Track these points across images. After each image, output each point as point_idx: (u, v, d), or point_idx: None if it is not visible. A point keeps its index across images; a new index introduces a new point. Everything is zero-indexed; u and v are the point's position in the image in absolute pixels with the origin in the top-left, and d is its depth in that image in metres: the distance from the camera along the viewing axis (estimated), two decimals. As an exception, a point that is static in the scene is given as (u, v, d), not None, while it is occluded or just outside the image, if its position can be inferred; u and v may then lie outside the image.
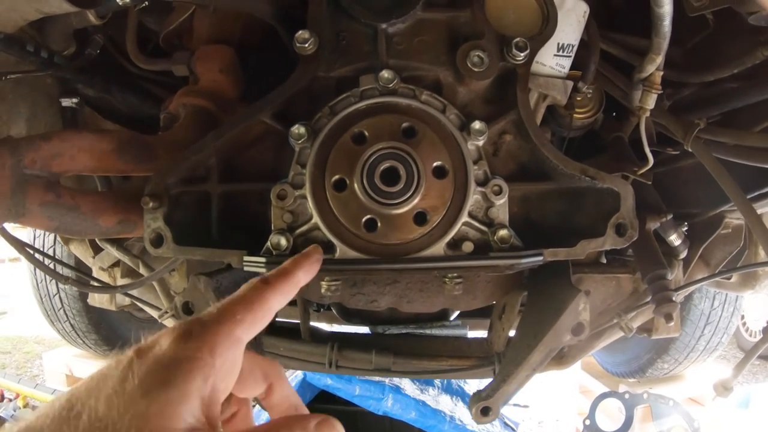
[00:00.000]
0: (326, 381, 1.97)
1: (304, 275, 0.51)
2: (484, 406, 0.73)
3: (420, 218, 0.68)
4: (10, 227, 1.21)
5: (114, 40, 1.09)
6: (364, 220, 0.67)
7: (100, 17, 0.87)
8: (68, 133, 0.82)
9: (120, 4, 0.82)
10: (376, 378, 1.91)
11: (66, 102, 1.07)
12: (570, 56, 0.88)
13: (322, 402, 2.17)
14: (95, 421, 0.37)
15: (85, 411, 0.38)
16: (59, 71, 1.00)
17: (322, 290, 0.74)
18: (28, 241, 1.81)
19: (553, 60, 0.86)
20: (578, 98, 1.09)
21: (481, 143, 0.70)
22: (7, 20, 0.81)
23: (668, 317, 0.99)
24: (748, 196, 0.97)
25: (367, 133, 0.69)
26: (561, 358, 1.13)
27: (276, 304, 0.47)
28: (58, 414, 0.38)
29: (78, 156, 0.80)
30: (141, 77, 1.14)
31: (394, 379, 1.95)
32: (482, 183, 0.70)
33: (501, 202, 0.70)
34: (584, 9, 0.87)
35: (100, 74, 1.07)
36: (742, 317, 3.70)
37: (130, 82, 1.13)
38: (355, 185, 0.66)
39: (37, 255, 1.32)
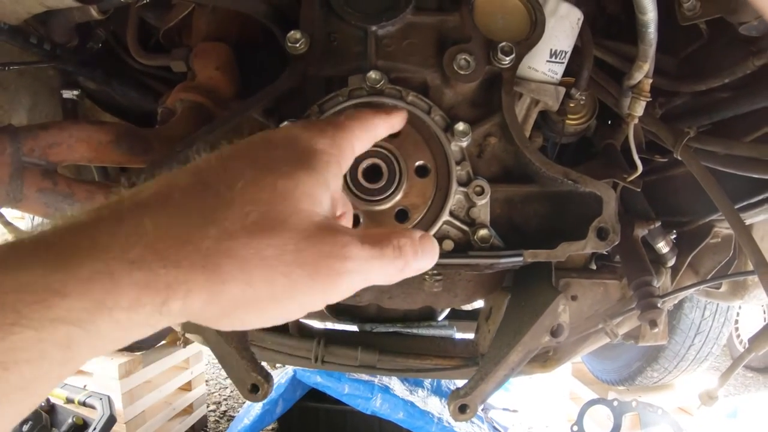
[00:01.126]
0: (316, 379, 1.98)
1: (399, 122, 0.56)
2: (461, 404, 0.75)
3: (401, 215, 0.69)
4: (11, 217, 1.23)
5: (116, 35, 1.12)
6: (346, 215, 0.68)
7: (102, 12, 0.89)
8: (67, 123, 0.84)
9: (121, 0, 0.85)
10: (366, 377, 1.93)
11: (67, 94, 1.10)
12: (563, 63, 0.89)
13: (311, 400, 2.18)
14: (240, 194, 0.35)
15: (226, 180, 0.35)
16: (61, 63, 1.03)
17: (306, 283, 0.75)
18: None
19: (545, 66, 0.87)
20: (571, 105, 1.10)
21: (464, 144, 0.71)
22: (12, 12, 0.84)
23: (653, 323, 1.00)
24: (737, 206, 0.98)
25: (352, 131, 0.70)
26: (546, 361, 1.14)
27: (381, 132, 0.52)
28: (189, 187, 0.35)
29: (75, 146, 0.82)
30: (141, 72, 1.16)
31: (384, 379, 1.96)
32: (464, 183, 0.71)
33: (482, 203, 0.71)
34: (578, 16, 0.88)
35: (101, 68, 1.10)
36: (737, 329, 3.67)
37: (131, 76, 1.16)
38: (339, 181, 0.68)
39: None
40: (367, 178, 0.67)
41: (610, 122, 1.25)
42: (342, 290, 0.37)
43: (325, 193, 0.39)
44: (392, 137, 0.70)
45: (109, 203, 0.34)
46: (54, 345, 0.29)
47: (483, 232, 0.70)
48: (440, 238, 0.71)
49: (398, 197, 0.68)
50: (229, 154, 0.39)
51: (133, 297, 0.31)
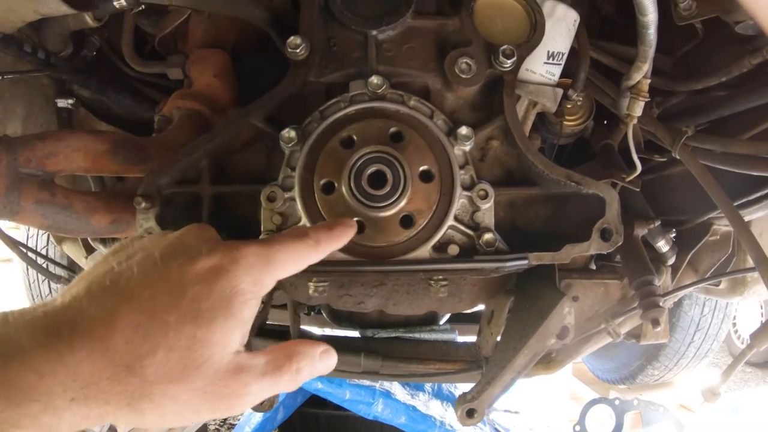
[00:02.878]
0: (317, 385, 1.97)
1: (341, 244, 0.57)
2: (469, 408, 0.74)
3: (406, 221, 0.69)
4: (6, 228, 1.22)
5: (110, 43, 1.11)
6: (351, 222, 0.68)
7: (97, 20, 0.88)
8: (63, 133, 0.83)
9: (117, 7, 0.84)
10: (367, 382, 1.92)
11: (62, 103, 1.08)
12: (560, 64, 0.89)
13: (312, 406, 2.17)
14: (164, 339, 0.42)
15: (153, 324, 0.42)
16: (56, 72, 1.02)
17: (310, 291, 0.74)
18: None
19: (543, 68, 0.88)
20: (568, 106, 1.10)
21: (467, 148, 0.71)
22: (6, 21, 0.83)
23: (655, 322, 1.00)
24: (735, 203, 0.98)
25: (355, 137, 0.70)
26: (549, 363, 1.14)
27: (313, 261, 0.53)
28: (123, 329, 0.41)
29: (72, 156, 0.81)
30: (136, 80, 1.15)
31: (385, 383, 1.95)
32: (468, 187, 0.71)
33: (487, 207, 0.71)
34: (574, 18, 0.89)
35: (95, 76, 1.09)
36: (734, 325, 3.70)
37: (126, 84, 1.15)
38: (343, 188, 0.68)
39: (30, 254, 1.32)
40: (372, 185, 0.67)
41: (606, 122, 1.25)
42: (240, 412, 0.49)
43: (238, 333, 0.46)
44: (396, 142, 0.70)
45: (47, 321, 0.41)
46: None
47: (488, 236, 0.70)
48: (445, 242, 0.70)
49: (403, 203, 0.68)
50: (160, 286, 0.44)
51: (72, 423, 0.40)
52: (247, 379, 0.45)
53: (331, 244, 0.55)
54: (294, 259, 0.51)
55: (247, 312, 0.46)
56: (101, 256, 0.49)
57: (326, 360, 0.51)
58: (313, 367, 0.50)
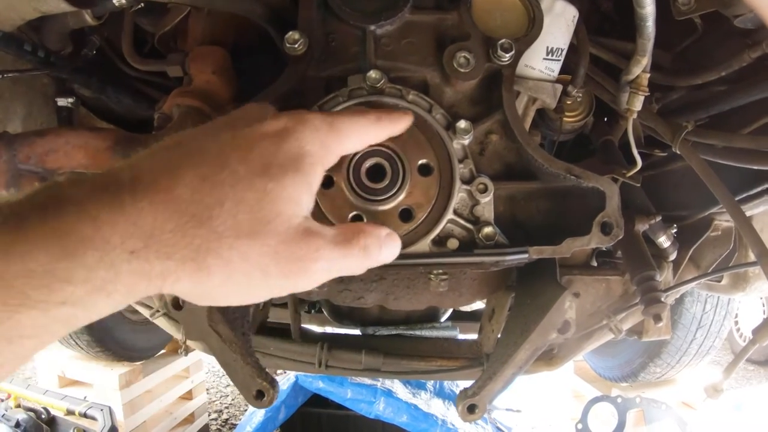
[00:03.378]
0: (318, 384, 1.97)
1: (401, 128, 0.57)
2: (470, 404, 0.74)
3: (405, 215, 0.69)
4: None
5: (110, 41, 1.11)
6: (350, 216, 0.68)
7: (97, 18, 0.89)
8: (63, 129, 0.83)
9: (116, 5, 0.84)
10: (368, 381, 1.92)
11: (62, 102, 1.09)
12: (559, 60, 0.89)
13: (314, 405, 2.17)
14: (232, 192, 0.39)
15: (221, 177, 0.39)
16: (56, 71, 1.02)
17: (310, 286, 0.74)
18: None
19: (542, 64, 0.88)
20: (568, 102, 1.11)
21: (466, 142, 0.71)
22: (6, 19, 0.83)
23: (657, 318, 1.00)
24: (736, 198, 0.98)
25: (354, 131, 0.70)
26: (551, 359, 1.13)
27: (376, 139, 0.53)
28: (188, 181, 0.38)
29: (72, 152, 0.81)
30: (136, 78, 1.15)
31: (386, 382, 1.95)
32: (468, 181, 0.71)
33: (486, 200, 0.71)
34: (573, 13, 0.89)
35: (96, 75, 1.09)
36: (736, 322, 3.69)
37: (126, 83, 1.15)
38: (342, 182, 0.67)
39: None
40: (371, 178, 0.67)
41: (606, 119, 1.25)
42: (309, 284, 0.43)
43: (307, 194, 0.43)
44: (395, 136, 0.70)
45: (107, 178, 0.37)
46: (56, 322, 0.33)
47: (487, 229, 0.70)
48: (445, 236, 0.70)
49: (402, 197, 0.67)
50: (227, 141, 0.42)
51: (129, 283, 0.35)
52: (319, 244, 0.42)
53: (391, 124, 0.54)
54: (357, 130, 0.50)
55: (315, 176, 0.44)
56: None
57: (391, 243, 0.48)
58: (380, 250, 0.47)
